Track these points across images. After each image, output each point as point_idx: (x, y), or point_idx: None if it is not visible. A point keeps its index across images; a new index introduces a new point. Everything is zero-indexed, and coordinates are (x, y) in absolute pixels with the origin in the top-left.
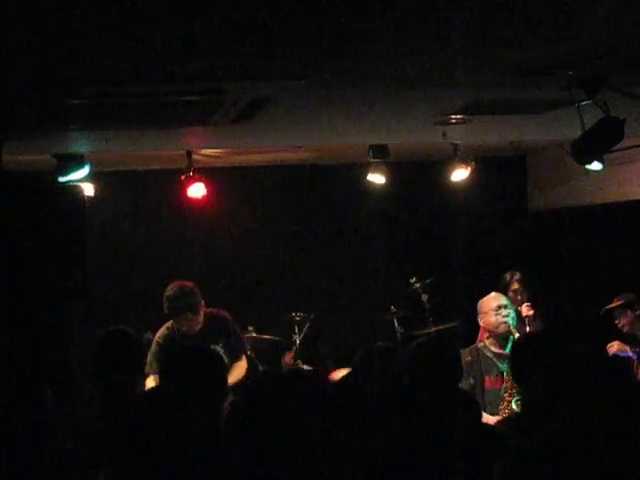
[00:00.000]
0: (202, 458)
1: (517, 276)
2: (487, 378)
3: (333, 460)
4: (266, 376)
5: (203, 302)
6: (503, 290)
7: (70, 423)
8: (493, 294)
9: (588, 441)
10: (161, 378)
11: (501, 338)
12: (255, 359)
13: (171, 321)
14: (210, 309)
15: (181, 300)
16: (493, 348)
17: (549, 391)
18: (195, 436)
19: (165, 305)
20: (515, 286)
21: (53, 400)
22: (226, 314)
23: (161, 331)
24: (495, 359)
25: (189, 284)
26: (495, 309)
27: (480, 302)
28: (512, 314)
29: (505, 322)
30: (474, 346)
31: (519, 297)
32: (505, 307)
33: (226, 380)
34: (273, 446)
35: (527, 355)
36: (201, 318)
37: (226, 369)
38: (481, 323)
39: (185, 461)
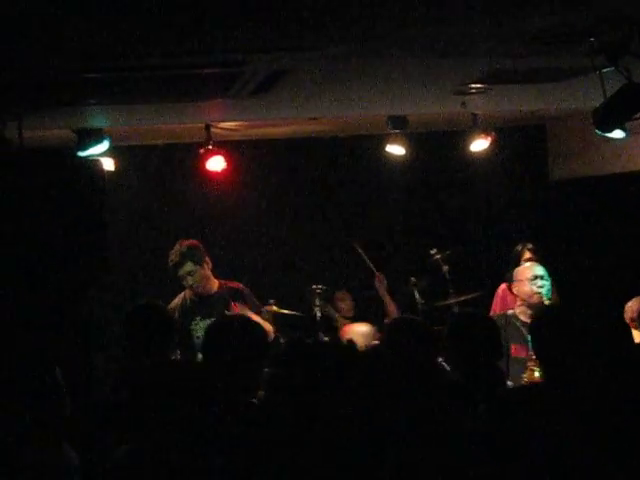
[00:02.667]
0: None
1: (529, 246)
2: (513, 346)
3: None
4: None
5: (209, 261)
6: (516, 261)
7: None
8: (530, 263)
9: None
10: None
11: (534, 308)
12: (277, 332)
13: (183, 292)
14: (224, 280)
15: (181, 251)
16: (522, 317)
17: (569, 364)
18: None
19: (169, 261)
20: (527, 255)
21: (63, 379)
22: (240, 285)
23: (173, 302)
24: (523, 328)
25: (191, 240)
26: (531, 278)
27: (516, 270)
28: (547, 285)
29: (539, 293)
30: (503, 313)
31: None
32: (541, 278)
33: (266, 346)
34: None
35: (546, 330)
36: (207, 274)
37: (266, 335)
38: (514, 290)
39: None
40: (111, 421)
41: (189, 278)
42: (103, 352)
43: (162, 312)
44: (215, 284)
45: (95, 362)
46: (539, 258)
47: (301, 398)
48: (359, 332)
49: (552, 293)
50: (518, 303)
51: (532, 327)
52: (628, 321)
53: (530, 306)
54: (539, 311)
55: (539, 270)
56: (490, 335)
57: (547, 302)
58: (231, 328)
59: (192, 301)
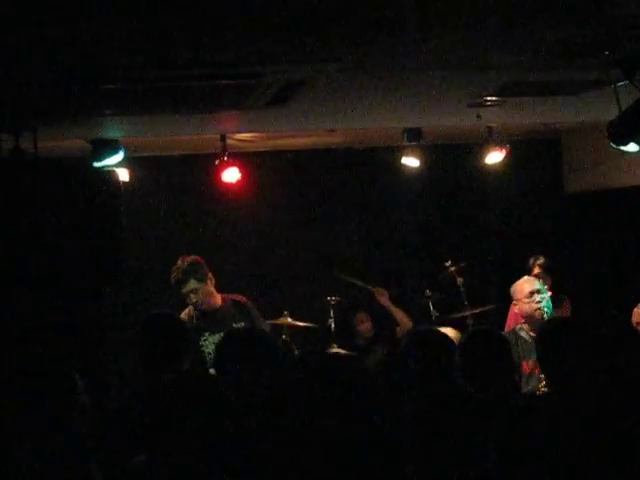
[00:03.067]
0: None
1: (540, 261)
2: (524, 363)
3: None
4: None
5: (213, 278)
6: (527, 275)
7: (102, 409)
8: (525, 278)
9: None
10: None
11: (537, 324)
12: (291, 344)
13: (188, 307)
14: (228, 294)
15: (183, 268)
16: (531, 333)
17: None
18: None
19: (171, 278)
20: (536, 271)
21: (83, 386)
22: (244, 298)
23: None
24: (533, 343)
25: (192, 256)
26: (528, 295)
27: (513, 287)
28: (545, 297)
29: (539, 308)
30: (512, 329)
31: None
32: (538, 292)
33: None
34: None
35: (553, 344)
36: (211, 290)
37: (277, 347)
38: (516, 310)
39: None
40: (127, 431)
41: (192, 296)
42: (116, 361)
43: (177, 322)
44: (219, 298)
45: (108, 372)
46: (549, 272)
47: (313, 411)
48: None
49: (560, 302)
50: (522, 320)
51: (537, 339)
52: (635, 325)
53: (532, 323)
54: (545, 323)
55: (534, 285)
56: (501, 351)
57: (547, 316)
58: (246, 340)
59: (198, 317)
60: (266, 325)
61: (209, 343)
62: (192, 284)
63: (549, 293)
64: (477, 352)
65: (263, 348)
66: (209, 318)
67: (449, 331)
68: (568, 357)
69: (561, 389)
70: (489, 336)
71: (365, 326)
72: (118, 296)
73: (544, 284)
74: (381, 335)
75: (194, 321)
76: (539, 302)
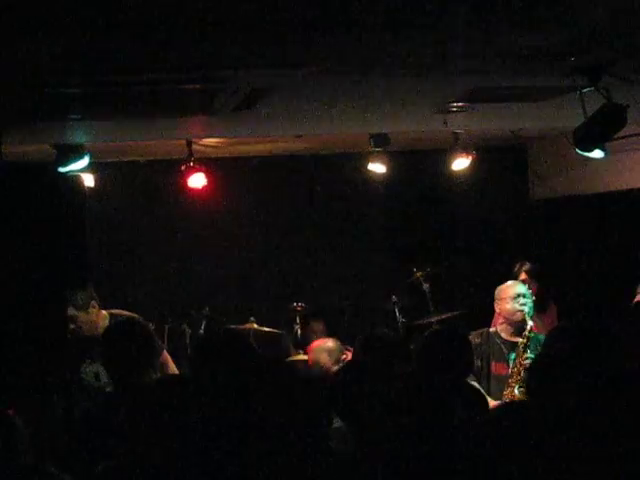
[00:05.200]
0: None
1: (526, 266)
2: (494, 364)
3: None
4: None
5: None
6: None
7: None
8: (512, 282)
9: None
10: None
11: (515, 326)
12: (257, 350)
13: None
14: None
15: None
16: (504, 335)
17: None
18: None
19: None
20: (522, 277)
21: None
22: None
23: None
24: (504, 346)
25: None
26: (513, 297)
27: (499, 288)
28: (529, 304)
29: (521, 310)
30: (486, 330)
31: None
32: (523, 296)
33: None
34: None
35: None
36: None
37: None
38: (497, 309)
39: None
40: (94, 437)
41: (70, 325)
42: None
43: (143, 328)
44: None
45: (74, 378)
46: (535, 278)
47: (284, 417)
48: (325, 348)
49: (546, 307)
50: (500, 321)
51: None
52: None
53: (512, 324)
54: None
55: (521, 289)
56: (458, 351)
57: (528, 320)
58: (217, 344)
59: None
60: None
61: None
62: (70, 310)
63: (534, 298)
64: (432, 352)
65: (239, 351)
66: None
67: (330, 342)
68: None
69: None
70: (445, 335)
71: (316, 330)
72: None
73: (529, 289)
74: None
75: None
76: (522, 305)
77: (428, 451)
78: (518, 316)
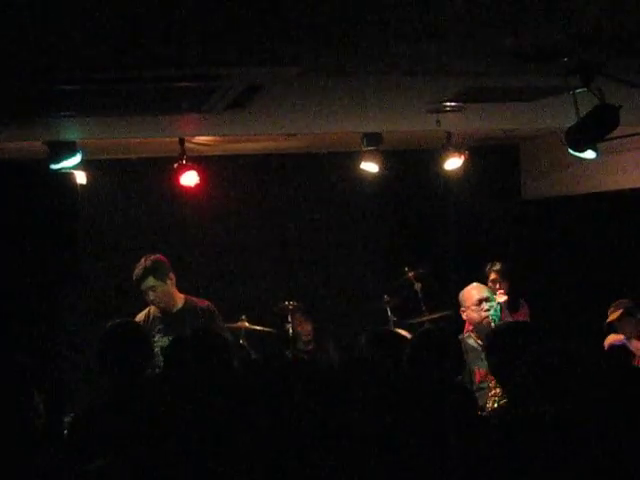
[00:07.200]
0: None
1: (496, 267)
2: (476, 370)
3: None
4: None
5: (174, 277)
6: (483, 281)
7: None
8: (474, 285)
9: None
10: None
11: (485, 332)
12: (248, 348)
13: (148, 307)
14: (192, 297)
15: (144, 265)
16: (474, 341)
17: (532, 384)
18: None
19: (133, 275)
20: (492, 276)
21: (41, 400)
22: (208, 303)
23: (137, 317)
24: (482, 350)
25: (157, 255)
26: (476, 303)
27: (461, 294)
28: (494, 305)
29: (487, 316)
30: (460, 337)
31: (497, 287)
32: (487, 300)
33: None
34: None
35: (502, 349)
36: (170, 290)
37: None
38: (464, 317)
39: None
40: (86, 437)
41: (151, 293)
42: (75, 369)
43: (138, 330)
44: (179, 301)
45: (68, 379)
46: (505, 277)
47: (276, 415)
48: None
49: (507, 307)
50: (470, 328)
51: (486, 344)
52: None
53: (480, 331)
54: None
55: (483, 292)
56: (449, 351)
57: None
58: (194, 343)
59: (154, 317)
60: (229, 333)
61: (157, 346)
62: (150, 281)
63: (505, 297)
64: (426, 347)
65: (217, 351)
66: (165, 320)
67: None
68: (520, 365)
69: (518, 402)
70: (436, 333)
71: (303, 328)
72: (73, 297)
73: (501, 289)
74: (325, 337)
75: (150, 320)
76: (487, 310)
77: (418, 449)
78: (485, 323)
